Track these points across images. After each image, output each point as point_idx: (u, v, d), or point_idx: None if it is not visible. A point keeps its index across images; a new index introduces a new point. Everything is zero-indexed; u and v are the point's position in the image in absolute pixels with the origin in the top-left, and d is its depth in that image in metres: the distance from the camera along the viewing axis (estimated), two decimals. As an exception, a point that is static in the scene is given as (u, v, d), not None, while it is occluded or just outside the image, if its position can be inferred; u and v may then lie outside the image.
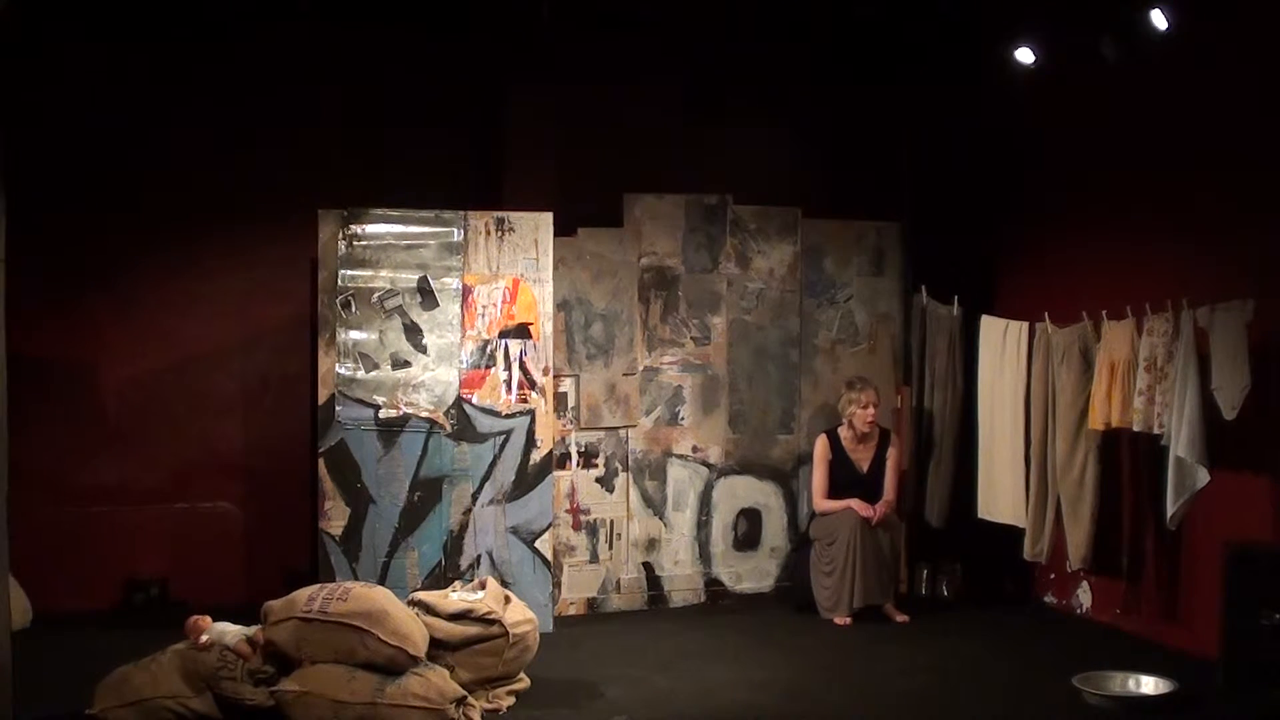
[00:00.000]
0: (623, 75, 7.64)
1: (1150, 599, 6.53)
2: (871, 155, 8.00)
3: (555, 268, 6.90)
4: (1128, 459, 6.60)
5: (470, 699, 5.16)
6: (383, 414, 6.57)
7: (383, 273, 6.60)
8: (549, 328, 6.80)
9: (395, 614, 5.11)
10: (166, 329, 7.40)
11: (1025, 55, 6.94)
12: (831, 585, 6.97)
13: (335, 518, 6.52)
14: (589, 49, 7.48)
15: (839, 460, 7.19)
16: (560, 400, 7.18)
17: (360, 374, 6.56)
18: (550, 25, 7.12)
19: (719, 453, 7.59)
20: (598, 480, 7.35)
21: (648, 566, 7.46)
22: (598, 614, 7.27)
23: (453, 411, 6.64)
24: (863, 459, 7.19)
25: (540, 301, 6.76)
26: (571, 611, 7.24)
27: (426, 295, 6.64)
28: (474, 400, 6.66)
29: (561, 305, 7.20)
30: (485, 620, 5.36)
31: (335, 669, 5.01)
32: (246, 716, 5.06)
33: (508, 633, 5.38)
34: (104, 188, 7.24)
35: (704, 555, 7.56)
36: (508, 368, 6.70)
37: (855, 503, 6.99)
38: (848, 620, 6.91)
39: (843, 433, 7.22)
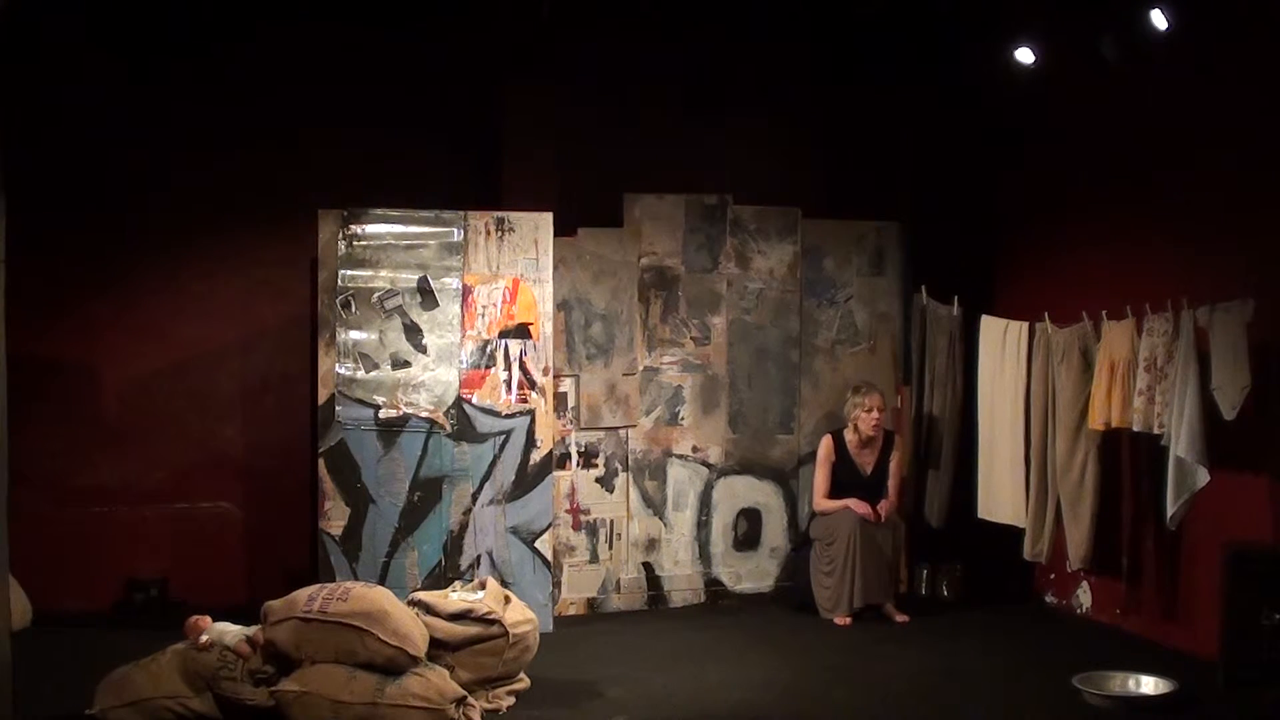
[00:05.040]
0: (622, 75, 7.65)
1: (1150, 599, 6.53)
2: (871, 155, 8.01)
3: (555, 268, 6.90)
4: (1128, 459, 6.60)
5: (470, 699, 5.15)
6: (383, 414, 6.57)
7: (383, 273, 6.61)
8: (549, 328, 6.80)
9: (395, 614, 5.11)
10: (166, 329, 7.40)
11: (1025, 55, 6.93)
12: (831, 585, 6.97)
13: (335, 518, 6.52)
14: (589, 48, 7.48)
15: (843, 462, 7.18)
16: (560, 400, 7.18)
17: (360, 374, 6.57)
18: (550, 25, 7.11)
19: (719, 453, 7.59)
20: (598, 480, 7.35)
21: (648, 566, 7.46)
22: (598, 614, 7.27)
23: (453, 411, 6.64)
24: (867, 462, 7.18)
25: (540, 301, 6.76)
26: (571, 611, 7.24)
27: (426, 295, 6.64)
28: (474, 400, 6.66)
29: (561, 305, 7.20)
30: (485, 620, 5.36)
31: (335, 669, 5.01)
32: (246, 716, 5.06)
33: (508, 633, 5.37)
34: (104, 188, 7.24)
35: (704, 555, 7.56)
36: (508, 368, 6.70)
37: (853, 502, 6.99)
38: (848, 620, 6.91)
39: (847, 435, 7.22)
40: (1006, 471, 7.04)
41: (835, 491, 7.15)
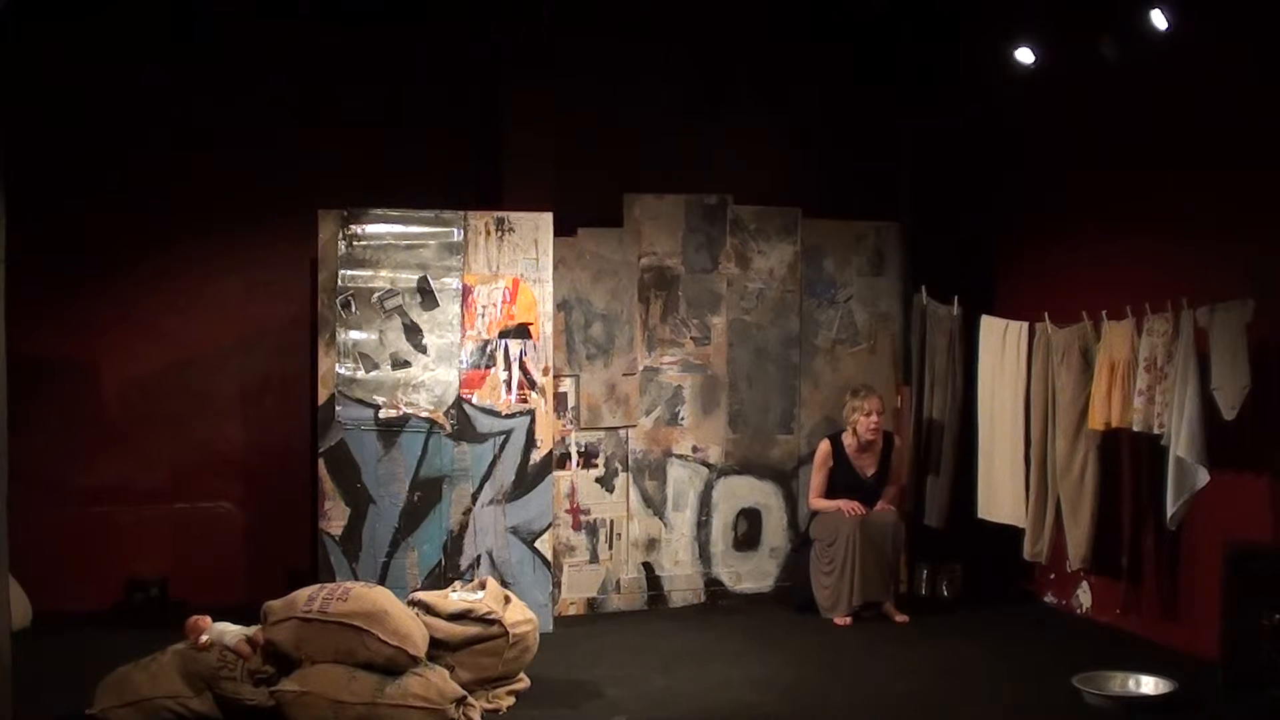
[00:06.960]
0: (623, 75, 7.64)
1: (1150, 599, 6.53)
2: (871, 155, 8.00)
3: (555, 268, 6.90)
4: (1128, 459, 6.60)
5: (470, 699, 5.16)
6: (383, 414, 6.57)
7: (383, 273, 6.60)
8: (549, 328, 6.80)
9: (395, 614, 5.11)
10: (166, 329, 7.39)
11: (1025, 55, 6.93)
12: (831, 584, 6.97)
13: (335, 518, 6.52)
14: (589, 48, 7.48)
15: (841, 466, 7.17)
16: (560, 400, 7.18)
17: (360, 374, 6.56)
18: (550, 24, 7.11)
19: (719, 453, 7.59)
20: (598, 480, 7.35)
21: (648, 566, 7.46)
22: (598, 614, 7.27)
23: (453, 411, 6.64)
24: (866, 465, 7.18)
25: (540, 301, 6.76)
26: (571, 611, 7.24)
27: (426, 295, 6.64)
28: (474, 400, 6.66)
29: (561, 305, 7.20)
30: (485, 620, 5.36)
31: (335, 669, 5.01)
32: (246, 716, 5.07)
33: (508, 633, 5.38)
34: (103, 188, 7.24)
35: (704, 555, 7.56)
36: (508, 368, 6.70)
37: (843, 503, 7.00)
38: (848, 620, 6.91)
39: (846, 439, 7.21)
40: (1006, 471, 7.04)
41: (834, 495, 7.14)
